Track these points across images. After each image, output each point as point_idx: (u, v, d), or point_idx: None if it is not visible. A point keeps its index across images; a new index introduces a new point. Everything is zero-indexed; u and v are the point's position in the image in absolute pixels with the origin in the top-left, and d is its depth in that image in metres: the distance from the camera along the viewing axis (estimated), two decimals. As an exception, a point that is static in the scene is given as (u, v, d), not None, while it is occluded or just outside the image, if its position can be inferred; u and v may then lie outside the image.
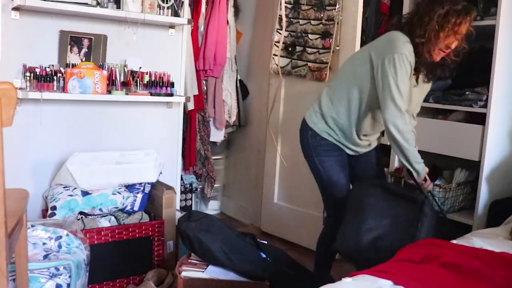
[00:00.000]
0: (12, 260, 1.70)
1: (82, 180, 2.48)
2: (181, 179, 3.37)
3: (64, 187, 2.46)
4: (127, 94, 2.57)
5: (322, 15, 3.04)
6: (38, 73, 2.34)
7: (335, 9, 2.95)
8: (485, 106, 2.48)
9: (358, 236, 1.96)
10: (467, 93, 2.57)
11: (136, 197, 2.58)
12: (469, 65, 2.52)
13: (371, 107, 2.18)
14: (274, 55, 3.27)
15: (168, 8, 2.67)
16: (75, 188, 2.46)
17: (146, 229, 2.49)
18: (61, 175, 2.50)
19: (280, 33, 3.24)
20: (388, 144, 2.28)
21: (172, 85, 2.70)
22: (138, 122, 2.81)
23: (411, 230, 1.92)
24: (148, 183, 2.64)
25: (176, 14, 2.72)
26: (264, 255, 2.25)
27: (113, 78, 2.55)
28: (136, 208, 2.58)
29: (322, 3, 3.04)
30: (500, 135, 2.54)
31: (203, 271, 2.14)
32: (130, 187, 2.61)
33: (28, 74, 2.34)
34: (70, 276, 1.94)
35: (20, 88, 2.37)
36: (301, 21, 3.15)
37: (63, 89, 2.39)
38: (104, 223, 2.43)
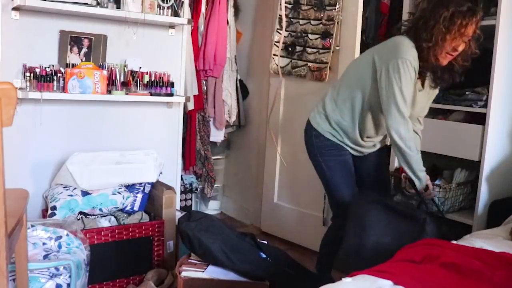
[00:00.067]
0: (12, 260, 1.71)
1: (82, 180, 2.48)
2: (181, 179, 3.37)
3: (64, 187, 2.46)
4: (127, 94, 2.57)
5: (322, 15, 3.04)
6: (38, 73, 2.34)
7: (335, 9, 2.95)
8: (485, 106, 2.48)
9: (359, 254, 1.94)
10: (467, 93, 2.57)
11: (136, 197, 2.58)
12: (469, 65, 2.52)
13: (373, 110, 2.18)
14: (274, 55, 3.27)
15: (168, 8, 2.67)
16: (75, 188, 2.46)
17: (146, 229, 2.49)
18: (61, 175, 2.50)
19: (280, 33, 3.24)
20: (389, 144, 2.28)
21: (172, 85, 2.70)
22: (138, 122, 2.81)
23: None
24: (148, 183, 2.64)
25: (176, 14, 2.72)
26: (264, 255, 2.25)
27: (113, 78, 2.55)
28: (136, 208, 2.58)
29: (322, 3, 3.03)
30: (500, 135, 2.54)
31: (203, 271, 2.14)
32: (130, 187, 2.61)
33: (28, 74, 2.34)
34: (70, 276, 1.94)
35: (20, 88, 2.37)
36: (301, 21, 3.15)
37: (63, 89, 2.39)
38: (104, 223, 2.43)
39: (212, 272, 2.14)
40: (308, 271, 2.39)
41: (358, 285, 1.39)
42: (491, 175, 2.51)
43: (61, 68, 2.44)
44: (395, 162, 2.78)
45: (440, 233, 1.98)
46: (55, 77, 2.38)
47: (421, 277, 1.41)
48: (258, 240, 2.33)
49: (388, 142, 2.43)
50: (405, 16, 2.86)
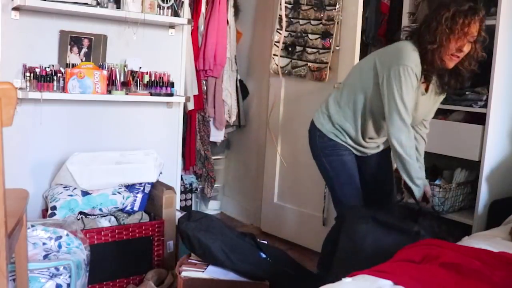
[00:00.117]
0: (12, 260, 1.71)
1: (82, 180, 2.48)
2: (181, 179, 3.37)
3: (64, 187, 2.46)
4: (127, 94, 2.57)
5: (322, 15, 3.04)
6: (38, 73, 2.34)
7: (335, 9, 2.95)
8: (485, 106, 2.48)
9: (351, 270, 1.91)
10: (467, 93, 2.57)
11: (136, 197, 2.58)
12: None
13: (374, 113, 2.18)
14: (274, 55, 3.27)
15: (168, 8, 2.67)
16: (75, 188, 2.46)
17: (146, 229, 2.49)
18: (61, 175, 2.50)
19: (280, 33, 3.24)
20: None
21: (172, 85, 2.70)
22: (138, 122, 2.81)
23: None
24: (148, 183, 2.64)
25: (176, 14, 2.72)
26: (264, 255, 2.25)
27: (113, 78, 2.55)
28: (136, 208, 2.58)
29: (322, 3, 3.04)
30: (500, 135, 2.54)
31: (203, 271, 2.14)
32: (130, 187, 2.61)
33: (28, 74, 2.34)
34: (70, 276, 1.94)
35: (20, 88, 2.37)
36: (301, 21, 3.15)
37: (63, 89, 2.39)
38: (104, 223, 2.43)
39: (212, 272, 2.14)
40: (308, 271, 2.39)
41: (358, 285, 1.39)
42: (491, 175, 2.51)
43: (61, 68, 2.44)
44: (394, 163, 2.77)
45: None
46: (55, 77, 2.38)
47: (421, 277, 1.41)
48: (258, 240, 2.33)
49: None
50: (405, 16, 2.87)
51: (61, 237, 2.08)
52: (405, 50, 2.05)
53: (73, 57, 2.55)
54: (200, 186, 3.65)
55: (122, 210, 2.57)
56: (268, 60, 3.34)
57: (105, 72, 2.46)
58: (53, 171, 2.56)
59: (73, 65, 2.45)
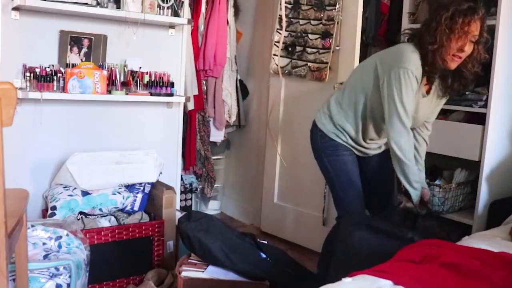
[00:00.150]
0: (12, 260, 1.71)
1: (82, 180, 2.48)
2: (181, 179, 3.37)
3: (64, 187, 2.46)
4: (127, 94, 2.57)
5: (322, 15, 3.04)
6: (38, 73, 2.34)
7: (335, 9, 2.95)
8: (485, 106, 2.48)
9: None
10: (467, 93, 2.57)
11: (136, 197, 2.58)
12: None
13: (374, 115, 2.18)
14: (274, 55, 3.27)
15: (168, 8, 2.67)
16: (75, 188, 2.46)
17: (146, 229, 2.49)
18: (61, 175, 2.50)
19: (280, 33, 3.24)
20: None
21: (172, 85, 2.70)
22: (138, 122, 2.81)
23: None
24: (148, 183, 2.64)
25: (176, 14, 2.72)
26: (264, 255, 2.25)
27: (113, 78, 2.55)
28: (136, 208, 2.58)
29: (322, 3, 3.04)
30: (500, 135, 2.54)
31: (203, 271, 2.14)
32: (130, 187, 2.61)
33: (28, 74, 2.34)
34: (70, 276, 1.94)
35: (20, 88, 2.37)
36: (301, 21, 3.15)
37: (63, 89, 2.39)
38: (104, 223, 2.43)
39: (212, 272, 2.14)
40: (308, 271, 2.39)
41: (358, 285, 1.39)
42: (491, 175, 2.51)
43: (61, 68, 2.44)
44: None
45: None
46: (55, 77, 2.38)
47: (421, 277, 1.41)
48: (258, 240, 2.33)
49: None
50: (405, 16, 2.87)
51: (61, 237, 2.08)
52: (406, 53, 2.04)
53: (73, 57, 2.55)
54: (200, 186, 3.65)
55: (122, 210, 2.57)
56: (268, 60, 3.34)
57: (105, 72, 2.46)
58: (53, 171, 2.56)
59: (73, 65, 2.45)
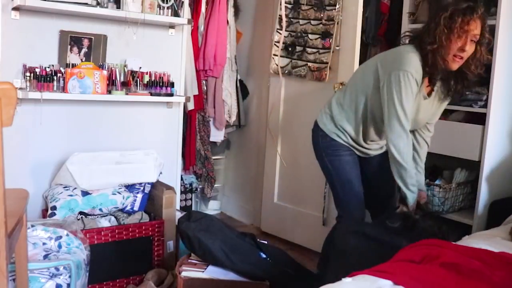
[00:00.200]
0: (12, 260, 1.71)
1: (82, 180, 2.48)
2: (181, 179, 3.37)
3: (64, 187, 2.46)
4: (127, 94, 2.57)
5: (322, 15, 3.04)
6: (38, 73, 2.34)
7: (335, 9, 2.95)
8: (485, 106, 2.48)
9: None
10: (467, 93, 2.57)
11: (136, 197, 2.58)
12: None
13: (375, 116, 2.18)
14: (274, 55, 3.27)
15: (168, 8, 2.67)
16: (75, 188, 2.46)
17: (146, 229, 2.49)
18: (61, 175, 2.50)
19: (280, 33, 3.24)
20: None
21: (172, 85, 2.70)
22: (138, 122, 2.81)
23: None
24: (148, 183, 2.64)
25: (176, 14, 2.72)
26: (264, 255, 2.25)
27: (113, 78, 2.55)
28: (136, 208, 2.58)
29: (322, 3, 3.04)
30: (500, 135, 2.54)
31: (203, 271, 2.14)
32: (130, 187, 2.61)
33: (28, 74, 2.34)
34: (70, 276, 1.94)
35: (20, 88, 2.37)
36: (301, 21, 3.15)
37: (63, 89, 2.39)
38: (104, 223, 2.43)
39: (212, 272, 2.14)
40: (308, 271, 2.39)
41: (358, 285, 1.39)
42: (491, 175, 2.51)
43: (61, 68, 2.44)
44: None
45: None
46: (55, 77, 2.38)
47: (421, 277, 1.41)
48: (258, 240, 2.33)
49: None
50: (405, 16, 2.87)
51: (61, 237, 2.08)
52: (406, 55, 2.04)
53: (73, 57, 2.55)
54: (200, 186, 3.65)
55: (122, 210, 2.57)
56: (268, 60, 3.34)
57: (105, 72, 2.46)
58: (53, 171, 2.56)
59: (73, 65, 2.45)
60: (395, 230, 2.11)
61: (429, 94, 2.14)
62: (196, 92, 3.36)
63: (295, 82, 3.24)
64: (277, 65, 3.25)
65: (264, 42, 3.54)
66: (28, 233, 1.92)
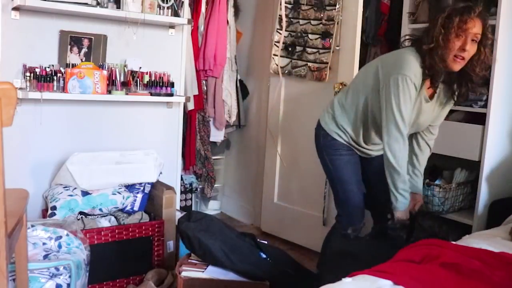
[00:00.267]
0: (12, 260, 1.71)
1: (82, 180, 2.48)
2: (181, 179, 3.37)
3: (64, 187, 2.46)
4: (127, 94, 2.57)
5: (322, 15, 3.04)
6: (38, 73, 2.34)
7: (335, 9, 2.95)
8: (485, 106, 2.48)
9: None
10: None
11: (136, 197, 2.58)
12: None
13: (375, 117, 2.17)
14: (274, 55, 3.27)
15: (168, 8, 2.67)
16: (75, 188, 2.46)
17: (146, 229, 2.49)
18: (61, 175, 2.50)
19: (280, 33, 3.24)
20: None
21: (172, 85, 2.70)
22: (138, 122, 2.81)
23: None
24: (148, 183, 2.64)
25: (176, 14, 2.72)
26: (264, 255, 2.25)
27: (113, 78, 2.55)
28: (136, 208, 2.58)
29: (322, 3, 3.04)
30: (500, 135, 2.54)
31: (203, 271, 2.14)
32: (130, 187, 2.61)
33: (28, 74, 2.34)
34: (70, 276, 1.94)
35: (20, 88, 2.37)
36: (301, 21, 3.15)
37: (63, 89, 2.39)
38: (104, 223, 2.43)
39: (212, 272, 2.14)
40: (308, 271, 2.39)
41: (358, 285, 1.39)
42: (491, 175, 2.51)
43: (61, 68, 2.44)
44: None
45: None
46: (55, 77, 2.38)
47: (421, 277, 1.41)
48: (258, 240, 2.33)
49: None
50: (405, 16, 2.87)
51: (61, 237, 2.08)
52: (406, 59, 2.03)
53: (73, 57, 2.55)
54: (200, 186, 3.65)
55: (122, 210, 2.57)
56: (268, 60, 3.34)
57: (105, 72, 2.46)
58: (53, 171, 2.56)
59: (73, 65, 2.45)
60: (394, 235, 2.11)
61: (431, 97, 2.12)
62: (196, 92, 3.36)
63: (295, 82, 3.24)
64: (277, 65, 3.25)
65: (264, 42, 3.54)
66: (28, 233, 1.92)
